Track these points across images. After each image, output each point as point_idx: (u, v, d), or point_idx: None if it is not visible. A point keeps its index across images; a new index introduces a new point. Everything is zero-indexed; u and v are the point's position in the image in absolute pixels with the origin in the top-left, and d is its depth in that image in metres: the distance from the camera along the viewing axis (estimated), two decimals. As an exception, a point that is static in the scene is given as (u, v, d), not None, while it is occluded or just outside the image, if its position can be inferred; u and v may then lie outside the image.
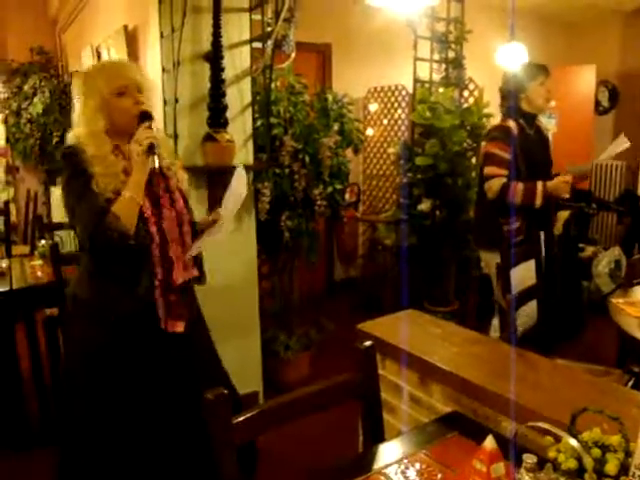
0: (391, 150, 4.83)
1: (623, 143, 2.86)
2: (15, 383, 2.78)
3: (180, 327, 1.81)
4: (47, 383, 2.98)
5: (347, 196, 5.08)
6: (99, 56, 4.33)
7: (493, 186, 2.77)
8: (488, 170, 2.82)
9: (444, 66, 4.03)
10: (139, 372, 1.80)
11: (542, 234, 2.94)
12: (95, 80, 1.76)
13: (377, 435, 1.33)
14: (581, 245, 4.38)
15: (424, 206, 3.88)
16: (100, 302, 1.77)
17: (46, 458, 2.55)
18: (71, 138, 1.77)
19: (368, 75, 5.11)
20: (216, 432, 1.08)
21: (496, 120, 3.26)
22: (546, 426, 1.00)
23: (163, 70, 2.66)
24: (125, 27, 3.59)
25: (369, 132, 5.22)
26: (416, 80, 3.95)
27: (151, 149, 1.64)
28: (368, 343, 1.34)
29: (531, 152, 2.84)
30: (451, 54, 4.04)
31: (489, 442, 1.01)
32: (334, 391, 1.27)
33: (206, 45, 2.67)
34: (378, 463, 1.23)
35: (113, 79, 1.74)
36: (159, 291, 1.76)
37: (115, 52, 3.89)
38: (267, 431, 1.15)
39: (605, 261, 4.38)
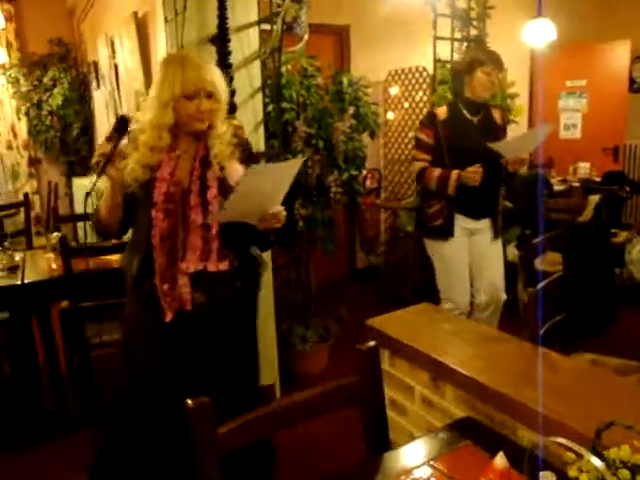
0: (412, 134, 4.66)
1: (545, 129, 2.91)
2: (33, 376, 2.77)
3: (169, 316, 1.79)
4: (63, 376, 2.96)
5: (368, 182, 4.96)
6: (112, 45, 4.28)
7: (413, 170, 2.96)
8: (413, 153, 2.99)
9: (466, 45, 3.84)
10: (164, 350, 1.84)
11: (488, 221, 2.93)
12: (174, 75, 1.74)
13: (381, 443, 1.23)
14: (613, 230, 4.16)
15: (446, 191, 3.72)
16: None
17: (64, 451, 2.57)
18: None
19: (388, 58, 4.93)
20: (198, 442, 0.98)
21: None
22: (566, 442, 0.88)
23: (169, 55, 2.57)
24: (135, 14, 3.51)
25: (390, 116, 5.06)
26: (436, 60, 3.79)
27: (97, 165, 1.66)
28: (371, 344, 1.23)
29: (463, 139, 2.78)
30: (473, 32, 3.85)
31: (500, 460, 0.90)
32: (332, 397, 1.16)
33: (212, 28, 2.56)
34: (381, 475, 1.13)
35: (187, 81, 1.72)
36: (158, 278, 1.77)
37: (127, 40, 3.82)
38: (256, 440, 1.05)
39: (639, 247, 4.17)
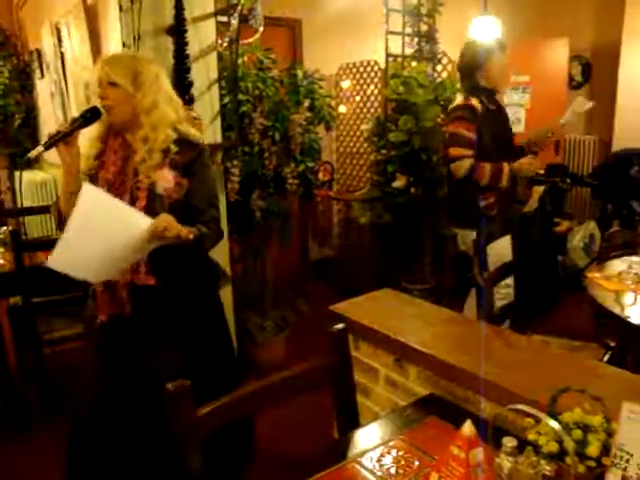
0: (364, 127, 4.75)
1: (583, 104, 2.92)
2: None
3: (101, 318, 1.81)
4: (13, 374, 2.88)
5: (320, 175, 5.00)
6: (59, 33, 4.14)
7: (461, 168, 2.72)
8: (454, 151, 2.75)
9: (417, 40, 3.94)
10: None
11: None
12: None
13: (352, 421, 1.28)
14: (556, 219, 4.38)
15: (398, 183, 3.82)
16: None
17: (20, 449, 2.51)
18: None
19: (340, 51, 4.99)
20: (178, 426, 1.01)
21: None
22: (525, 408, 0.96)
23: (124, 46, 2.53)
24: (84, 1, 3.42)
25: (342, 109, 5.12)
26: (388, 54, 3.86)
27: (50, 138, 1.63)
28: (340, 326, 1.28)
29: (495, 128, 2.81)
30: (424, 27, 3.95)
31: (467, 428, 0.96)
32: (305, 377, 1.21)
33: (169, 18, 2.54)
34: (353, 450, 1.18)
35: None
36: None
37: (75, 29, 3.71)
38: (233, 420, 1.08)
39: (579, 235, 4.39)
